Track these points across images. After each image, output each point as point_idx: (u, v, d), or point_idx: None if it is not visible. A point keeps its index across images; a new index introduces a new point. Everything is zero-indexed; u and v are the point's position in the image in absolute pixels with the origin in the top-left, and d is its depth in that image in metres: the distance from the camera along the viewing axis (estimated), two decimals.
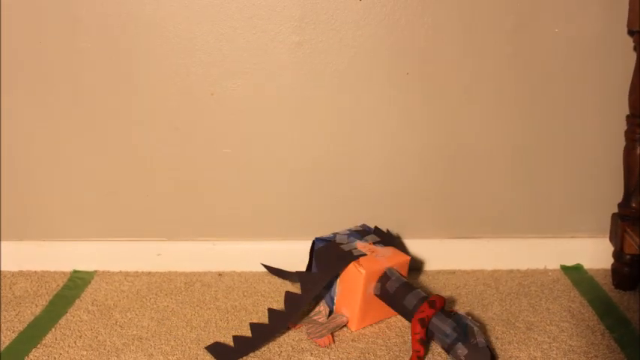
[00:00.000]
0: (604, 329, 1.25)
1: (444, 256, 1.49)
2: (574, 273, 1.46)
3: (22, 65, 1.38)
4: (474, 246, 1.49)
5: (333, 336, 1.23)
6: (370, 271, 1.21)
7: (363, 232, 1.33)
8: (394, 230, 1.47)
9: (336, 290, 1.27)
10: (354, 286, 1.23)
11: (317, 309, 1.28)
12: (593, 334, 1.23)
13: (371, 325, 1.27)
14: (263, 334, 1.19)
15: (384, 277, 1.23)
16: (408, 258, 1.27)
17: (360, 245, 1.28)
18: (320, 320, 1.25)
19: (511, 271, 1.48)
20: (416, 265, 1.49)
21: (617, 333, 1.23)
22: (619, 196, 1.43)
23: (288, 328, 1.25)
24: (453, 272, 1.48)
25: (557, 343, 1.21)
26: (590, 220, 1.48)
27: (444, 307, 1.17)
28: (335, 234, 1.32)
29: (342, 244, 1.28)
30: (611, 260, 1.43)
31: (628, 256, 1.37)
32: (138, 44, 1.37)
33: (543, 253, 1.48)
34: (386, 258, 1.25)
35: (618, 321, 1.28)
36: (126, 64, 1.38)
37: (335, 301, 1.28)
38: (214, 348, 1.17)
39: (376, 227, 1.36)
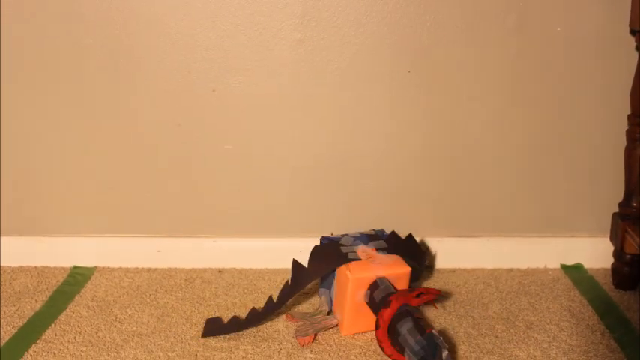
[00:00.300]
0: (604, 329, 1.25)
1: (444, 255, 1.49)
2: (574, 272, 1.46)
3: (22, 61, 1.38)
4: (474, 244, 1.49)
5: (315, 336, 1.22)
6: (358, 276, 1.19)
7: (372, 237, 1.30)
8: (394, 228, 1.47)
9: (334, 291, 1.26)
10: (343, 289, 1.21)
11: (320, 307, 1.28)
12: (592, 334, 1.23)
13: (364, 332, 1.25)
14: (255, 317, 1.23)
15: (374, 285, 1.19)
16: (408, 270, 1.22)
17: (361, 249, 1.25)
18: (318, 318, 1.25)
19: (511, 269, 1.48)
20: None
21: (616, 332, 1.23)
22: (619, 195, 1.43)
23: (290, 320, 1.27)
24: (453, 271, 1.48)
25: (557, 342, 1.21)
26: (590, 219, 1.48)
27: (413, 302, 1.13)
28: (344, 235, 1.31)
29: (344, 245, 1.26)
30: (612, 260, 1.43)
31: (628, 256, 1.37)
32: (139, 40, 1.36)
33: (543, 252, 1.48)
34: (382, 266, 1.21)
35: (618, 320, 1.28)
36: (127, 60, 1.38)
37: (333, 301, 1.28)
38: (209, 322, 1.25)
39: (392, 232, 1.32)
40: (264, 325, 1.26)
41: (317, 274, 1.21)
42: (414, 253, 1.32)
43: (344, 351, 1.18)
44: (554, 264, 1.49)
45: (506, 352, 1.18)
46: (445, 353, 1.03)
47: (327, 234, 1.44)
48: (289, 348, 1.19)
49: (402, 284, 1.22)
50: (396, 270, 1.21)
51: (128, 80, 1.39)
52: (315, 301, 1.35)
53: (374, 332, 1.20)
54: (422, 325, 1.10)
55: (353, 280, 1.19)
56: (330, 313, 1.28)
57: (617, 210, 1.42)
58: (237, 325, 1.23)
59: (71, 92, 1.40)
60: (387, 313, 1.12)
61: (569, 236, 1.49)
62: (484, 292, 1.39)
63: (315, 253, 1.24)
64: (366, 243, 1.27)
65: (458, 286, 1.41)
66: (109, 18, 1.35)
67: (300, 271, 1.21)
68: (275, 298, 1.30)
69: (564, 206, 1.47)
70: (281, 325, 1.26)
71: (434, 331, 1.06)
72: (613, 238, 1.41)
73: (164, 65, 1.38)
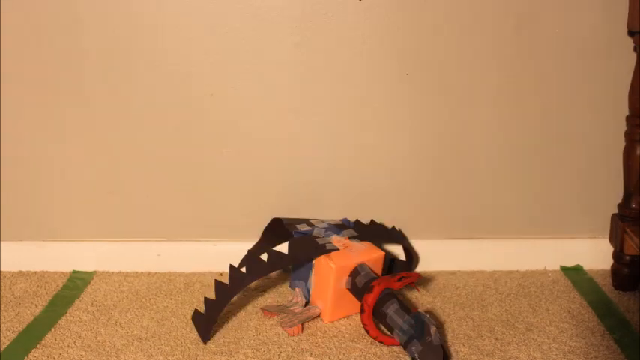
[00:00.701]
0: (604, 330, 1.25)
1: (444, 257, 1.49)
2: (574, 274, 1.46)
3: (21, 65, 1.38)
4: (474, 246, 1.49)
5: (302, 325, 1.26)
6: (340, 265, 1.24)
7: (341, 227, 1.35)
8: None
9: (312, 282, 1.29)
10: (326, 279, 1.26)
11: (293, 299, 1.31)
12: (592, 335, 1.23)
13: (346, 317, 1.30)
14: (225, 293, 1.20)
15: (355, 272, 1.25)
16: (383, 254, 1.29)
17: (336, 240, 1.30)
18: (296, 310, 1.28)
19: (511, 271, 1.48)
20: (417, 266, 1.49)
21: (617, 334, 1.23)
22: (619, 196, 1.43)
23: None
24: (453, 273, 1.48)
25: (557, 344, 1.21)
26: (589, 220, 1.48)
27: (397, 285, 1.21)
28: (312, 226, 1.34)
29: (318, 237, 1.30)
30: (611, 261, 1.43)
31: (628, 257, 1.37)
32: (137, 44, 1.37)
33: (543, 254, 1.48)
34: (359, 253, 1.27)
35: (618, 322, 1.28)
36: (126, 64, 1.38)
37: (310, 292, 1.31)
38: (195, 318, 1.24)
39: (357, 221, 1.39)
40: (264, 328, 1.26)
41: (296, 261, 1.26)
42: (383, 234, 1.41)
43: (344, 354, 1.18)
44: (554, 265, 1.49)
45: (506, 354, 1.18)
46: (433, 329, 1.11)
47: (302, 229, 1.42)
48: (289, 351, 1.19)
49: (378, 267, 1.29)
50: (372, 255, 1.28)
51: (126, 84, 1.39)
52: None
53: (369, 330, 1.21)
54: (407, 306, 1.18)
55: (336, 270, 1.24)
56: (306, 304, 1.32)
57: (616, 211, 1.42)
58: (217, 305, 1.21)
59: (69, 96, 1.40)
60: (371, 298, 1.18)
61: (568, 238, 1.49)
62: (484, 294, 1.39)
63: (294, 245, 1.27)
64: (337, 233, 1.32)
65: (458, 288, 1.41)
66: (107, 22, 1.35)
67: (279, 255, 1.23)
68: (236, 269, 1.24)
69: (564, 208, 1.47)
70: (280, 328, 1.26)
71: (420, 310, 1.15)
72: (612, 240, 1.41)
73: (162, 69, 1.38)
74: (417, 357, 1.11)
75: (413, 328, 1.13)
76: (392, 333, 1.17)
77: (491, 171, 1.45)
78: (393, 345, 1.20)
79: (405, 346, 1.14)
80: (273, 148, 1.43)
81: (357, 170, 1.44)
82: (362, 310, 1.20)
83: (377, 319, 1.21)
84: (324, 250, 1.27)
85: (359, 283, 1.24)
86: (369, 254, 1.28)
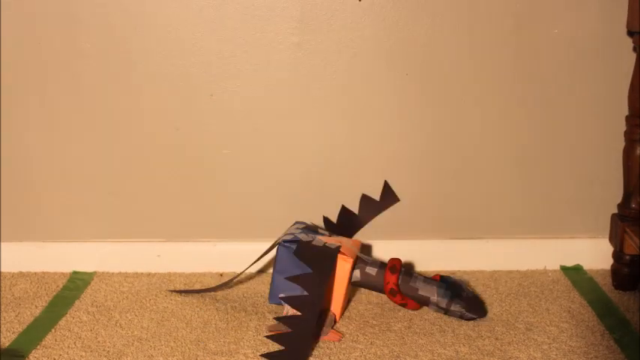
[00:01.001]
0: (604, 330, 1.25)
1: (443, 257, 1.49)
2: (574, 274, 1.46)
3: (21, 65, 1.38)
4: (474, 246, 1.49)
5: (337, 330, 1.24)
6: (352, 260, 1.25)
7: (313, 228, 1.34)
8: (393, 231, 1.47)
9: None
10: (339, 277, 1.25)
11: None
12: (592, 335, 1.23)
13: (344, 316, 1.31)
14: (295, 344, 1.15)
15: (362, 263, 1.28)
16: (359, 241, 1.36)
17: (325, 239, 1.28)
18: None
19: (511, 271, 1.48)
20: (416, 266, 1.50)
21: (617, 334, 1.23)
22: (619, 196, 1.43)
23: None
24: (452, 273, 1.48)
25: (557, 344, 1.21)
26: (589, 220, 1.48)
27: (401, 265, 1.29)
28: (293, 235, 1.28)
29: (311, 241, 1.26)
30: (611, 261, 1.43)
31: (628, 257, 1.37)
32: (137, 45, 1.37)
33: (543, 254, 1.48)
34: (350, 246, 1.29)
35: (618, 322, 1.28)
36: (126, 64, 1.38)
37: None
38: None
39: (325, 217, 1.40)
40: (264, 329, 1.26)
41: (327, 277, 1.19)
42: (352, 221, 1.39)
43: (344, 354, 1.18)
44: (554, 265, 1.49)
45: (506, 354, 1.18)
46: (465, 285, 1.28)
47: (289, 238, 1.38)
48: None
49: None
50: (357, 245, 1.33)
51: (127, 85, 1.39)
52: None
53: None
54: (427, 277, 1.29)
55: (351, 265, 1.25)
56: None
57: (616, 211, 1.42)
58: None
59: (69, 97, 1.40)
60: (395, 277, 1.25)
61: (568, 238, 1.49)
62: (484, 294, 1.39)
63: (305, 256, 1.21)
64: (318, 234, 1.31)
65: None
66: (107, 22, 1.35)
67: (311, 281, 1.18)
68: (294, 317, 1.19)
69: (564, 208, 1.47)
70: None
71: (441, 275, 1.29)
72: (612, 239, 1.41)
73: (162, 70, 1.38)
74: (464, 311, 1.24)
75: (449, 289, 1.26)
76: (427, 303, 1.26)
77: (491, 171, 1.45)
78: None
79: (447, 309, 1.25)
80: (272, 149, 1.43)
81: (358, 170, 1.44)
82: (393, 293, 1.25)
83: (407, 294, 1.27)
84: (335, 250, 1.24)
85: (371, 272, 1.27)
86: (355, 245, 1.31)
